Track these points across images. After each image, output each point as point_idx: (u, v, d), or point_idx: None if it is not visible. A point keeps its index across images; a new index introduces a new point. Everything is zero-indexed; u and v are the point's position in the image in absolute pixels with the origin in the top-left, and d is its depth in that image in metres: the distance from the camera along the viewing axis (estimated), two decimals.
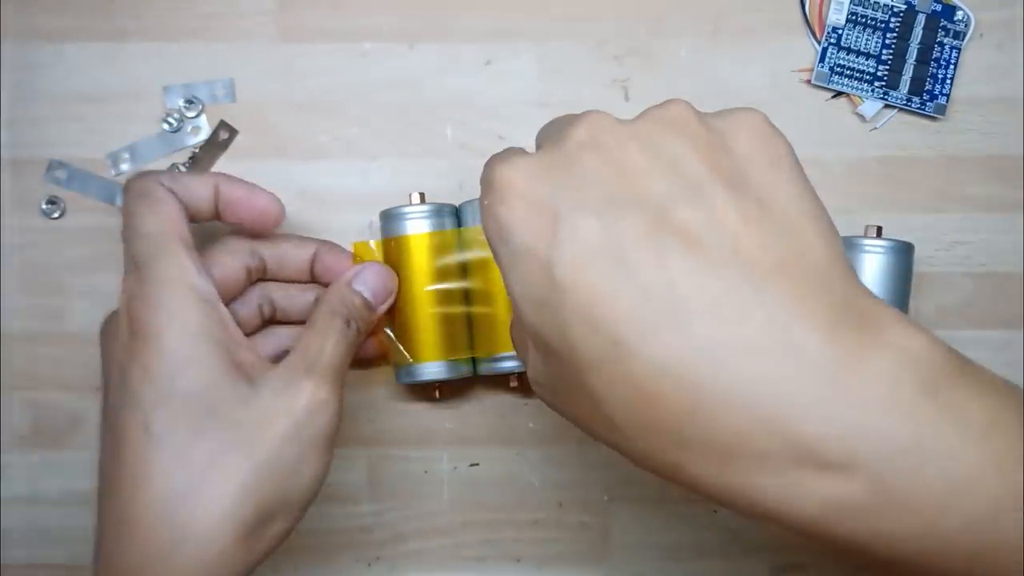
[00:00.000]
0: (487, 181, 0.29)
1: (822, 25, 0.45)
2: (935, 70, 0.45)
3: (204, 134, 0.45)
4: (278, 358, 0.37)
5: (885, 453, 0.22)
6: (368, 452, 0.44)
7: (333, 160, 0.45)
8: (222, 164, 0.45)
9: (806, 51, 0.45)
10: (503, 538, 0.45)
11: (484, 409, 0.45)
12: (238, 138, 0.45)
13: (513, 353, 0.39)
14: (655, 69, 0.45)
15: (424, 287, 0.41)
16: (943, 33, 0.45)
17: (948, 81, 0.45)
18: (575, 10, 0.45)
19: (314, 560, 0.44)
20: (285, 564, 0.44)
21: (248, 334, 0.38)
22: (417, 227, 0.41)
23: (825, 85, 0.45)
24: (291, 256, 0.40)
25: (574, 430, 0.45)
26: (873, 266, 0.41)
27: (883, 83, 0.45)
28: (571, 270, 0.25)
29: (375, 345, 0.42)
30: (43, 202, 0.44)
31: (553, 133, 0.30)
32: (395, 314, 0.41)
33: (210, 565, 0.32)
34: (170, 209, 0.36)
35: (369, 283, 0.39)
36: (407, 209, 0.41)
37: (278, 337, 0.41)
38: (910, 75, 0.45)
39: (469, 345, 0.41)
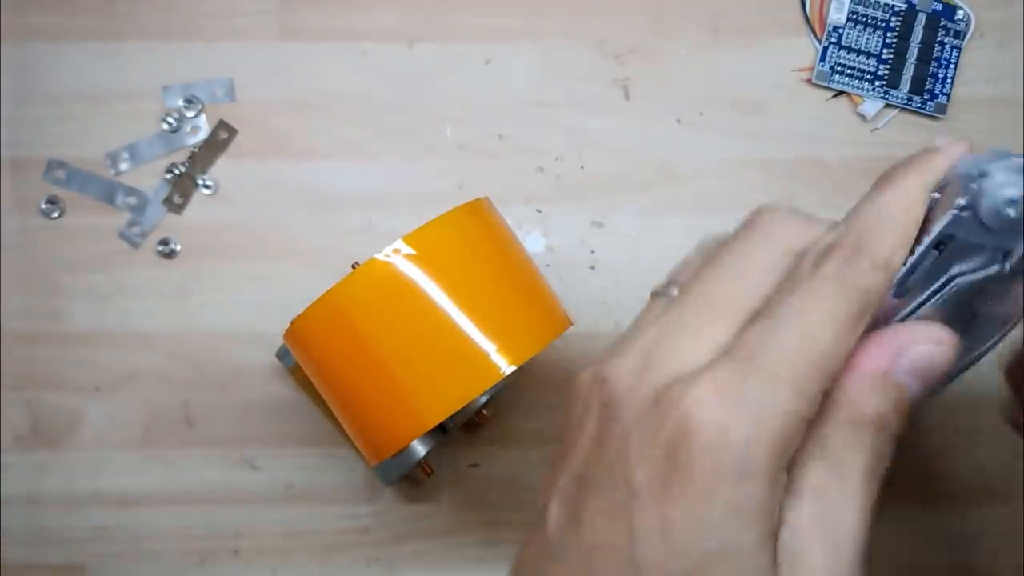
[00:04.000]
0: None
1: (823, 24, 0.45)
2: (936, 69, 0.45)
3: (203, 134, 0.45)
4: None
5: None
6: None
7: (332, 160, 0.45)
8: (221, 164, 0.45)
9: (807, 50, 0.45)
10: (503, 538, 0.45)
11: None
12: (237, 138, 0.45)
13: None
14: (655, 68, 0.45)
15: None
16: (943, 32, 0.45)
17: (949, 80, 0.45)
18: (575, 9, 0.45)
19: (314, 560, 0.44)
20: (285, 564, 0.44)
21: None
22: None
23: (826, 84, 0.45)
24: None
25: None
26: None
27: (884, 82, 0.45)
28: None
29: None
30: (42, 202, 0.44)
31: None
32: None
33: None
34: None
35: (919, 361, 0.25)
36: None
37: None
38: (911, 74, 0.45)
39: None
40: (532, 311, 0.35)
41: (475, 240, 0.34)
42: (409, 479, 0.44)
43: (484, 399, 0.42)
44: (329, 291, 0.33)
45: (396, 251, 0.32)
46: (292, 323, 0.34)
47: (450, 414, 0.33)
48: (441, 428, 0.41)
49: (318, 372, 0.35)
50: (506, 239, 0.36)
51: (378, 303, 0.33)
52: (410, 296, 0.32)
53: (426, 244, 0.33)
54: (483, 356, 0.32)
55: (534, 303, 0.35)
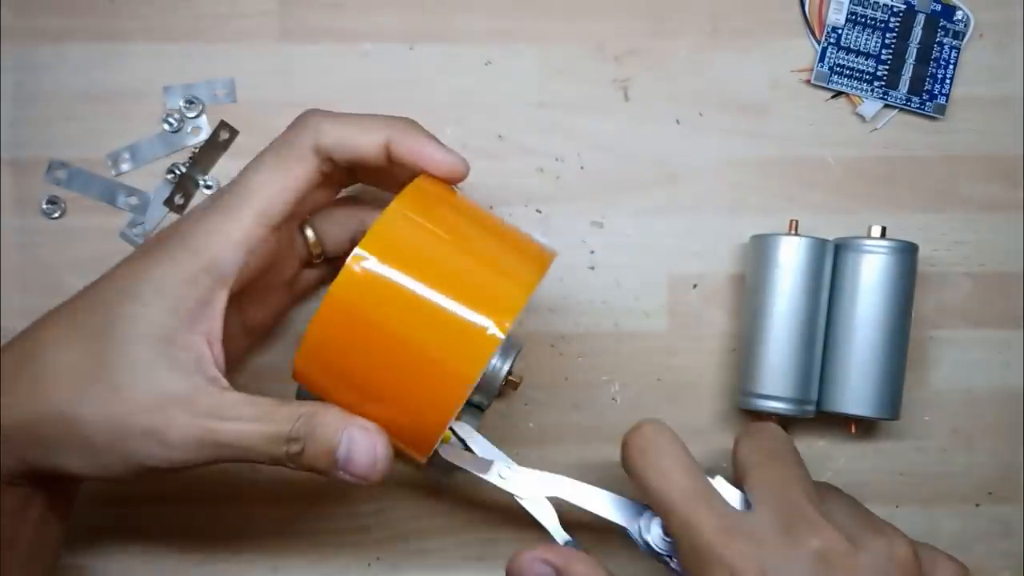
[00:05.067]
0: (724, 562, 0.32)
1: (822, 25, 0.45)
2: (934, 70, 0.45)
3: (204, 134, 0.45)
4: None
5: None
6: None
7: None
8: (222, 164, 0.45)
9: (806, 51, 0.45)
10: (503, 538, 0.45)
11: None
12: (238, 138, 0.45)
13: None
14: (655, 69, 0.45)
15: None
16: (942, 33, 0.45)
17: (948, 81, 0.45)
18: (575, 10, 0.45)
19: (314, 560, 0.44)
20: (285, 564, 0.44)
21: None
22: None
23: (825, 85, 0.45)
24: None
25: (574, 430, 0.45)
26: (876, 266, 0.41)
27: (883, 83, 0.45)
28: None
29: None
30: (43, 202, 0.44)
31: (777, 501, 0.33)
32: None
33: None
34: (287, 182, 0.35)
35: (353, 454, 0.33)
36: None
37: None
38: (910, 75, 0.45)
39: None
40: (510, 263, 0.34)
41: (430, 220, 0.34)
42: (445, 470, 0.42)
43: (505, 368, 0.41)
44: (311, 322, 0.32)
45: (357, 259, 0.32)
46: (295, 364, 0.34)
47: (466, 393, 0.33)
48: (477, 407, 0.41)
49: (338, 395, 0.34)
50: (459, 206, 0.36)
51: (363, 314, 0.32)
52: (391, 295, 0.32)
53: (383, 243, 0.32)
54: (479, 330, 0.32)
55: (509, 255, 0.35)
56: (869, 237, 0.42)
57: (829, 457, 0.45)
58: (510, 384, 0.42)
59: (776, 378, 0.41)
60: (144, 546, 0.44)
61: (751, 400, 0.42)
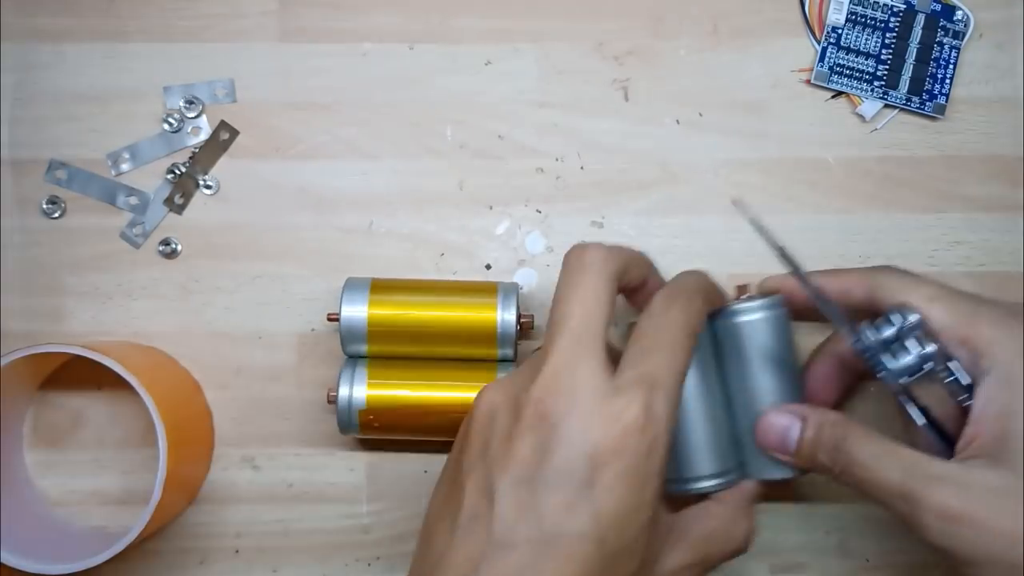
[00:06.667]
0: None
1: (822, 25, 0.45)
2: (934, 70, 0.45)
3: (204, 134, 0.45)
4: None
5: None
6: (368, 452, 0.45)
7: (333, 160, 0.45)
8: (222, 164, 0.45)
9: (805, 51, 0.45)
10: None
11: None
12: (238, 138, 0.45)
13: None
14: (655, 69, 0.45)
15: None
16: (942, 33, 0.45)
17: (947, 81, 0.45)
18: (575, 10, 0.45)
19: (314, 560, 0.44)
20: (285, 564, 0.44)
21: None
22: None
23: (825, 85, 0.45)
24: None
25: None
26: (745, 331, 0.38)
27: (883, 83, 0.45)
28: None
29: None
30: (44, 202, 0.44)
31: None
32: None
33: None
34: (597, 294, 0.34)
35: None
36: None
37: None
38: (909, 75, 0.45)
39: None
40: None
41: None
42: None
43: (513, 316, 0.41)
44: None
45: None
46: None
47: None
48: (505, 361, 0.43)
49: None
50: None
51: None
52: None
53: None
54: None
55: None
56: (738, 300, 0.39)
57: None
58: (524, 327, 0.43)
59: (690, 460, 0.37)
60: (145, 545, 0.44)
61: (674, 486, 0.37)
